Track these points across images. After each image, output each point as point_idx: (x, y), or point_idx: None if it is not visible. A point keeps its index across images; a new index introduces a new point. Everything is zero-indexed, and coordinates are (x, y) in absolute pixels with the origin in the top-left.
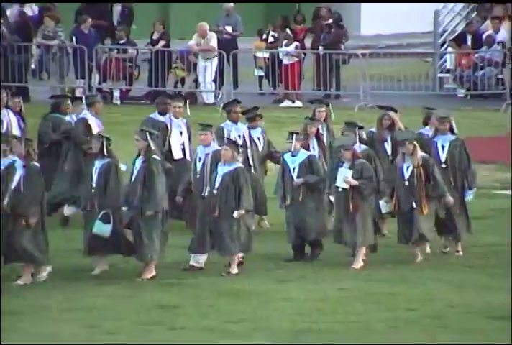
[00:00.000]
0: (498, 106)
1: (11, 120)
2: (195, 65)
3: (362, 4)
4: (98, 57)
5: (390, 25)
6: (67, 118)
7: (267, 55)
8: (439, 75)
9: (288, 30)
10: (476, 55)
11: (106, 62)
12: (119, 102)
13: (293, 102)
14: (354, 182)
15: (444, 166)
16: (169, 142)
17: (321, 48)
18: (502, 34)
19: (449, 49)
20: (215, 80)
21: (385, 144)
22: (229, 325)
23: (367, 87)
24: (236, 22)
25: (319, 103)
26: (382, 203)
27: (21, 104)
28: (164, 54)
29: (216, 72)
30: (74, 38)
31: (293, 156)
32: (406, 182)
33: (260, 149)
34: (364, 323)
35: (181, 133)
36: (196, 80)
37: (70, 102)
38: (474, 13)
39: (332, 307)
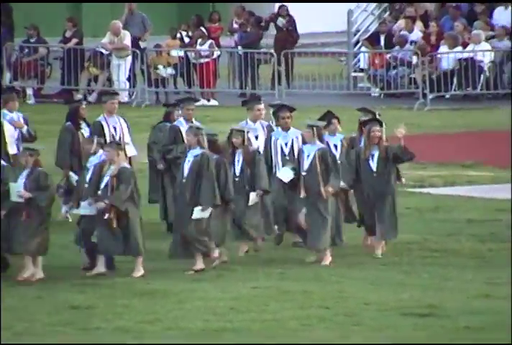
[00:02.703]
0: (411, 104)
1: None
2: (108, 63)
3: (276, 4)
4: (8, 54)
5: (304, 24)
6: None
7: (181, 54)
8: (353, 74)
9: (202, 28)
10: (389, 55)
11: (17, 60)
12: (32, 101)
13: (209, 101)
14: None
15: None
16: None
17: (239, 47)
18: (414, 34)
19: (363, 48)
20: (129, 79)
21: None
22: (143, 325)
23: (282, 86)
24: (143, 20)
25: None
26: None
27: None
28: (76, 53)
29: (129, 70)
30: None
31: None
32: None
33: None
34: (279, 322)
35: None
36: (110, 79)
37: None
38: (387, 13)
39: (247, 305)
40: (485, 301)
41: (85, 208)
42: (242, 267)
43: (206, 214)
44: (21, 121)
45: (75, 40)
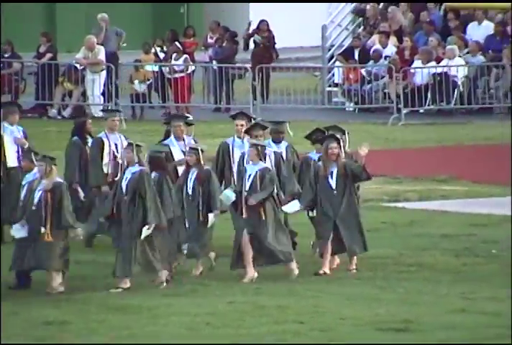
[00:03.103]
0: (386, 119)
1: None
2: (83, 77)
3: (251, 18)
4: None
5: (278, 39)
6: None
7: (156, 69)
8: (328, 89)
9: (177, 43)
10: (363, 70)
11: None
12: None
13: None
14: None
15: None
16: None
17: (214, 62)
18: (389, 49)
19: (337, 63)
20: (103, 93)
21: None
22: (117, 340)
23: (257, 101)
24: (116, 32)
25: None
26: None
27: None
28: (51, 67)
29: (104, 85)
30: None
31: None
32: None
33: None
34: (254, 337)
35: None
36: (84, 93)
37: None
38: (361, 28)
39: (222, 321)
40: (460, 315)
41: (18, 231)
42: (218, 282)
43: (150, 232)
44: (21, 134)
45: (49, 55)
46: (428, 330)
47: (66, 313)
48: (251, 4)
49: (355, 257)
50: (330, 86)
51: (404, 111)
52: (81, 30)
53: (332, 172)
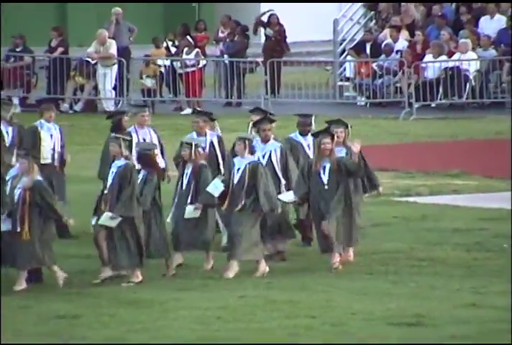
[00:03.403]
0: (397, 113)
1: None
2: (94, 72)
3: (260, 13)
4: None
5: (289, 33)
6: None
7: (168, 63)
8: (339, 83)
9: (188, 37)
10: (375, 64)
11: (2, 69)
12: (18, 110)
13: None
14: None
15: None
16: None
17: (225, 56)
18: (400, 43)
19: (349, 57)
20: (115, 88)
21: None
22: (129, 334)
23: (268, 95)
24: (130, 28)
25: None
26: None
27: None
28: (62, 62)
29: (116, 79)
30: None
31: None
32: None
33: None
34: (266, 331)
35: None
36: (96, 88)
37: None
38: (373, 22)
39: (233, 315)
40: (471, 310)
41: (4, 223)
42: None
43: (113, 223)
44: (58, 131)
45: (60, 49)
46: (439, 325)
47: (78, 306)
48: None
49: (336, 254)
50: (341, 80)
51: (416, 105)
52: (93, 24)
53: (325, 167)
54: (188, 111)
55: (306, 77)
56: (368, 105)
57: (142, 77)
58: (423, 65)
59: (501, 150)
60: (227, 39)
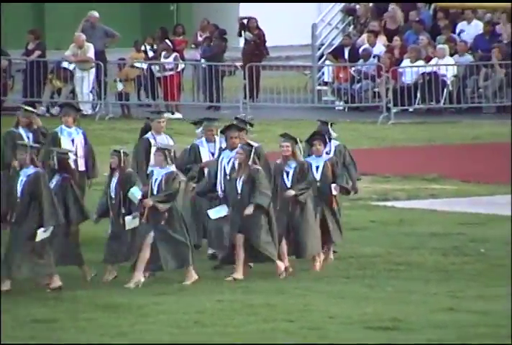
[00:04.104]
0: (375, 118)
1: None
2: (72, 75)
3: (241, 16)
4: None
5: (268, 38)
6: None
7: (145, 66)
8: (318, 87)
9: (167, 41)
10: (353, 69)
11: None
12: None
13: (173, 113)
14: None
15: None
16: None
17: (202, 60)
18: (378, 48)
19: (327, 62)
20: (92, 91)
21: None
22: (106, 339)
23: (246, 99)
24: (106, 31)
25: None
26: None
27: None
28: (39, 65)
29: (93, 82)
30: None
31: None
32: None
33: None
34: (243, 335)
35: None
36: (73, 91)
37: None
38: (351, 26)
39: (211, 319)
40: (448, 314)
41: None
42: (206, 280)
43: (47, 234)
44: (81, 136)
45: (37, 52)
46: (416, 329)
47: (55, 311)
48: (241, 3)
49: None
50: (320, 85)
51: (394, 109)
52: (70, 27)
53: (288, 171)
54: (166, 114)
55: (285, 81)
56: (346, 109)
57: (115, 81)
58: (401, 70)
59: (478, 155)
60: (204, 43)
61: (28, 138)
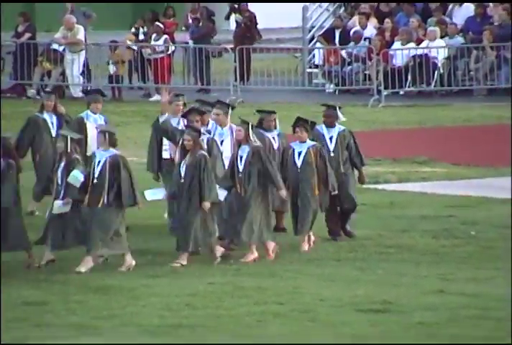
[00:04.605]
0: (366, 101)
1: None
2: (62, 57)
3: None
4: None
5: (259, 20)
6: None
7: (135, 48)
8: (308, 70)
9: (158, 23)
10: (343, 51)
11: None
12: None
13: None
14: None
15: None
16: None
17: (190, 42)
18: (369, 30)
19: (318, 44)
20: (83, 73)
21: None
22: (97, 321)
23: (237, 82)
24: (84, 13)
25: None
26: None
27: None
28: (29, 47)
29: (84, 65)
30: None
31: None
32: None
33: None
34: (234, 318)
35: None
36: (63, 73)
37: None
38: (342, 9)
39: (202, 302)
40: (439, 296)
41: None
42: (197, 263)
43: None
44: (103, 122)
45: (28, 35)
46: (407, 312)
47: (46, 293)
48: None
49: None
50: (310, 67)
51: (384, 92)
52: (60, 10)
53: (242, 156)
54: (156, 97)
55: (275, 64)
56: (337, 92)
57: (108, 63)
58: (392, 52)
59: (469, 138)
60: (193, 25)
61: (52, 123)
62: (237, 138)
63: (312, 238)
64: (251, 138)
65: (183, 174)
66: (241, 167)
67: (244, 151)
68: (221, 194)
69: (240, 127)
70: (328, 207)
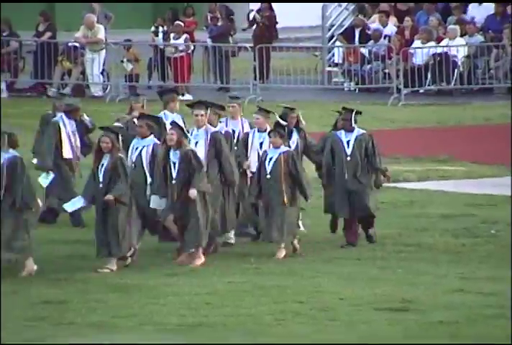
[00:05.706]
0: (385, 99)
1: None
2: (82, 56)
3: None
4: None
5: (278, 19)
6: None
7: (161, 46)
8: (328, 68)
9: (179, 22)
10: (363, 49)
11: None
12: (5, 95)
13: (183, 95)
14: None
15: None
16: None
17: (208, 40)
18: (389, 29)
19: (337, 43)
20: (103, 72)
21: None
22: (116, 320)
23: (257, 80)
24: (106, 15)
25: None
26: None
27: None
28: (50, 46)
29: (104, 64)
30: None
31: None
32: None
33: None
34: (254, 317)
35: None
36: (84, 73)
37: None
38: (355, 10)
39: (222, 300)
40: (458, 296)
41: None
42: (217, 262)
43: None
44: (181, 122)
45: (48, 34)
46: (426, 311)
47: (65, 292)
48: None
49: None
50: (330, 66)
51: (404, 91)
52: (80, 9)
53: (175, 162)
54: (187, 96)
55: (295, 62)
56: (357, 90)
57: (122, 61)
58: (412, 50)
59: (489, 136)
60: (211, 24)
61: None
62: (170, 143)
63: (297, 246)
64: (184, 142)
65: (100, 178)
66: (174, 173)
67: (176, 156)
68: (157, 202)
69: (173, 131)
70: (347, 216)
